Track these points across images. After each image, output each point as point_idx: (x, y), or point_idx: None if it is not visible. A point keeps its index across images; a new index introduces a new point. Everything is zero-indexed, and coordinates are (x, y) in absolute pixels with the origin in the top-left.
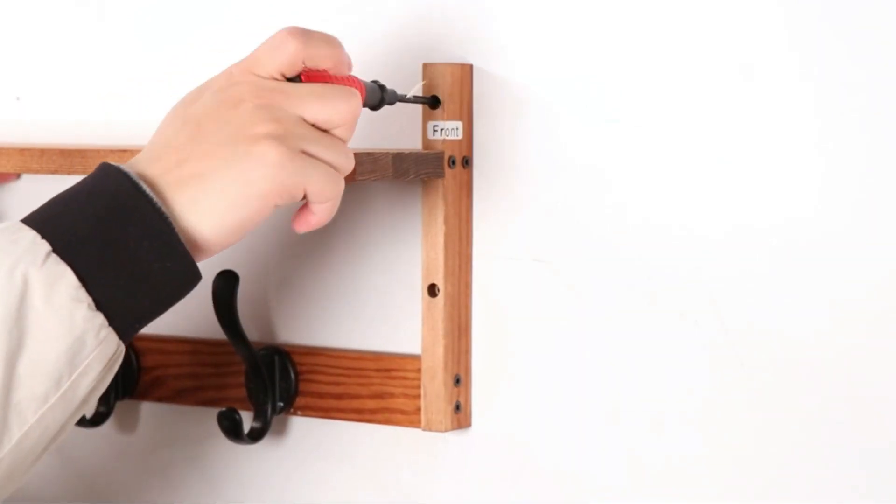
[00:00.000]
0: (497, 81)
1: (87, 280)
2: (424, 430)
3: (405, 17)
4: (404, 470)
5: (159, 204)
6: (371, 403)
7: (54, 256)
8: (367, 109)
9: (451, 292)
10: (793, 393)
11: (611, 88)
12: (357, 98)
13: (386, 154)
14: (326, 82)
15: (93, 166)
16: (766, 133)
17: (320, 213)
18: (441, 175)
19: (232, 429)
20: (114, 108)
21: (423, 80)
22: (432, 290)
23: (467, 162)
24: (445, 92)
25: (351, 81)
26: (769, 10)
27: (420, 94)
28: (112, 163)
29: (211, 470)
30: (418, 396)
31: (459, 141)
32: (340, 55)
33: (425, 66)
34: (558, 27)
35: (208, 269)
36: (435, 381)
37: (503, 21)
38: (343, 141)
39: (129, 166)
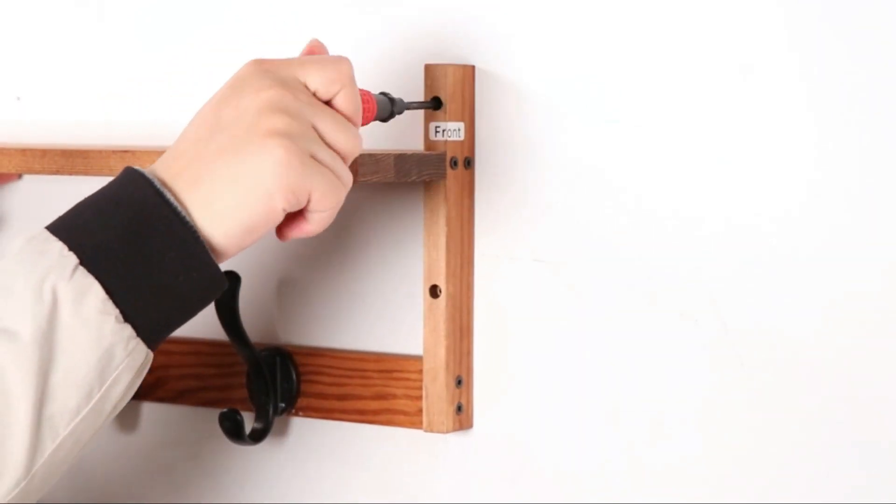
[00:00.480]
0: (499, 82)
1: (114, 292)
2: (426, 431)
3: (407, 19)
4: (406, 471)
5: (183, 213)
6: (373, 404)
7: (81, 269)
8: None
9: (453, 293)
10: (793, 393)
11: (611, 88)
12: (361, 141)
13: (388, 155)
14: None
15: (95, 166)
16: (765, 133)
17: (315, 223)
18: (443, 176)
19: (233, 430)
20: (114, 108)
21: (426, 80)
22: (434, 291)
23: (469, 163)
24: (447, 93)
25: (363, 95)
26: (769, 11)
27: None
28: (137, 168)
29: (212, 470)
30: (420, 397)
31: (461, 142)
32: (358, 117)
33: (427, 66)
34: (559, 28)
35: None
36: (437, 382)
37: (505, 22)
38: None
39: (153, 170)
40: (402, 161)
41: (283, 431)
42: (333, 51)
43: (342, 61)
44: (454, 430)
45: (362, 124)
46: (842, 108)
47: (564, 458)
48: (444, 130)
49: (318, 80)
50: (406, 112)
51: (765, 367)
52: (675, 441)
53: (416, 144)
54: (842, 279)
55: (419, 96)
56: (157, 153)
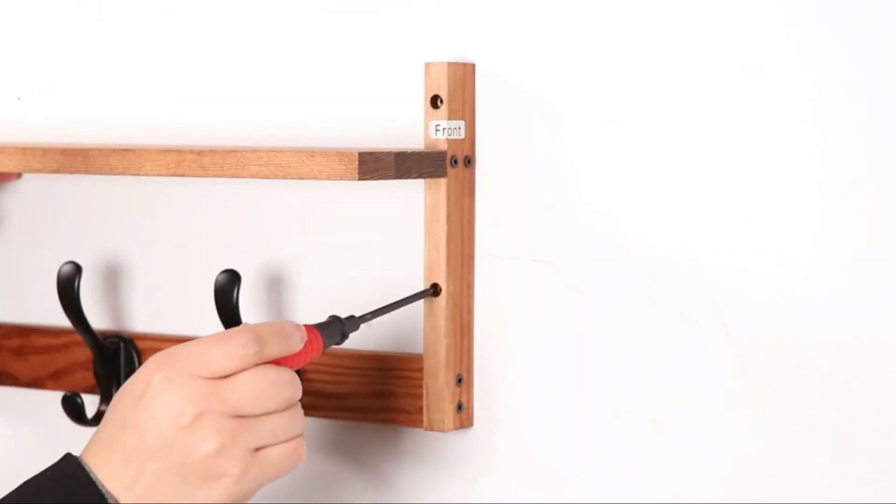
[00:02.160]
0: (499, 81)
1: None
2: (427, 429)
3: (407, 17)
4: (406, 469)
5: None
6: (373, 403)
7: None
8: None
9: (454, 292)
10: (793, 393)
11: (611, 88)
12: (294, 382)
13: (388, 153)
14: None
15: (95, 165)
16: (765, 133)
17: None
18: (443, 174)
19: None
20: (114, 108)
21: (426, 78)
22: (435, 290)
23: (469, 161)
24: (448, 91)
25: (308, 342)
26: (769, 10)
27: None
28: (84, 469)
29: None
30: (420, 396)
31: (461, 140)
32: (292, 343)
33: (427, 65)
34: (560, 27)
35: (211, 267)
36: (437, 381)
37: (505, 21)
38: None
39: (98, 470)
40: (402, 159)
41: None
42: (337, 51)
43: (244, 340)
44: (455, 428)
45: (309, 359)
46: (843, 108)
47: (564, 457)
48: (444, 129)
49: (231, 366)
50: (407, 110)
51: (765, 367)
52: (675, 441)
53: (416, 143)
54: (842, 279)
55: (420, 94)
56: (156, 152)
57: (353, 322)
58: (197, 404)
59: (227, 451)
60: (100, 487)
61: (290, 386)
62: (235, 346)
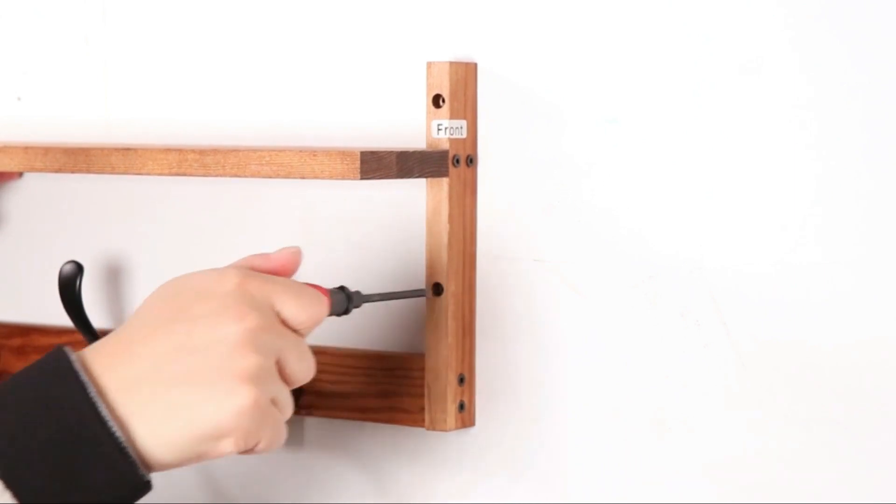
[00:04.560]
0: (501, 80)
1: None
2: (428, 429)
3: (409, 16)
4: (407, 469)
5: (115, 431)
6: (375, 402)
7: (0, 484)
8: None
9: (456, 291)
10: (793, 393)
11: (612, 88)
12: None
13: (390, 153)
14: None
15: (97, 164)
16: (766, 132)
17: (248, 453)
18: (445, 174)
19: None
20: (115, 108)
21: (428, 77)
22: (437, 290)
23: (471, 161)
24: (449, 90)
25: (319, 291)
26: (769, 10)
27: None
28: (72, 362)
29: (214, 469)
30: (422, 395)
31: (464, 140)
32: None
33: (429, 64)
34: (561, 27)
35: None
36: (439, 381)
37: (507, 20)
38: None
39: (90, 365)
40: (404, 159)
41: None
42: (339, 50)
43: (320, 303)
44: (456, 428)
45: None
46: (843, 107)
47: (565, 457)
48: (446, 128)
49: (291, 314)
50: (408, 109)
51: (765, 366)
52: (675, 441)
53: (418, 142)
54: (843, 278)
55: (421, 94)
56: (158, 151)
57: (360, 297)
58: (263, 321)
59: (258, 382)
60: (81, 377)
61: (312, 371)
62: (309, 308)
